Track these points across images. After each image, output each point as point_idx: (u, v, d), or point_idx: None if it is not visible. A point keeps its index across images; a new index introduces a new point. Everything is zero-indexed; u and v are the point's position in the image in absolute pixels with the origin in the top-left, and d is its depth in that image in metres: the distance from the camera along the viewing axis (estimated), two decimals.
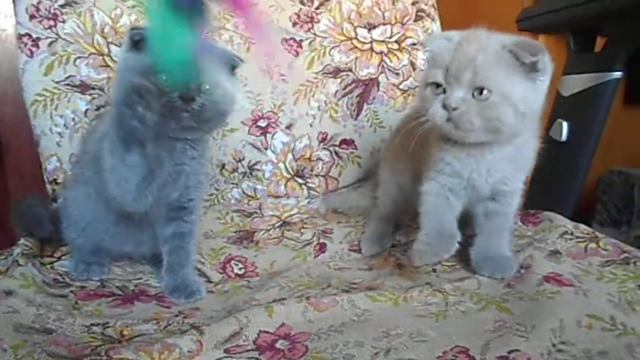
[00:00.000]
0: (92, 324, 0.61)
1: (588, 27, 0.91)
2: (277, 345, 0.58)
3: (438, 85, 0.66)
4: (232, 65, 0.74)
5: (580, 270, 0.70)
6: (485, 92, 0.63)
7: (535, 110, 0.68)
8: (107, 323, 0.62)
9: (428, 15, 1.14)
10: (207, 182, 0.82)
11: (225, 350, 0.56)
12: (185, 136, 0.71)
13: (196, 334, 0.57)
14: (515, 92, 0.63)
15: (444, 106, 0.65)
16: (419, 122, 0.68)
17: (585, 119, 0.87)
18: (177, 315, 0.67)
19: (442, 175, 0.73)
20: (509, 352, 0.53)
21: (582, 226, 0.80)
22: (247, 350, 0.57)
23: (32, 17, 0.93)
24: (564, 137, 0.90)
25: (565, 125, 0.90)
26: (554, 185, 0.92)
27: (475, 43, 0.64)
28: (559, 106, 0.93)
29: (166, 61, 0.61)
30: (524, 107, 0.64)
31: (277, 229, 0.99)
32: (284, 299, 0.67)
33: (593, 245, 0.75)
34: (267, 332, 0.60)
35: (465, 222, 0.82)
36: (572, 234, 0.79)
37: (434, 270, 0.80)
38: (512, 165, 0.72)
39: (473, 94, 0.63)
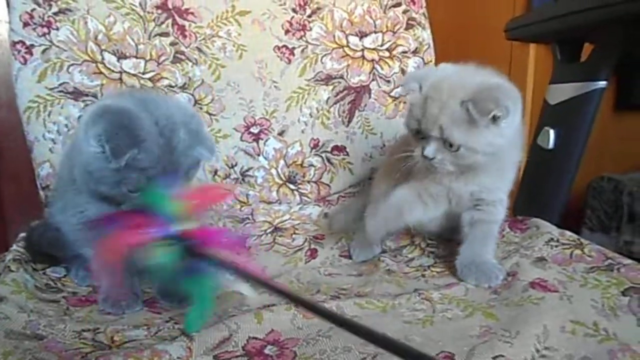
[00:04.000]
0: (83, 330, 0.62)
1: (573, 38, 0.92)
2: (266, 351, 0.58)
3: (418, 131, 0.72)
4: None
5: (565, 277, 0.71)
6: (453, 145, 0.68)
7: (510, 141, 0.71)
8: (98, 329, 0.62)
9: (419, 24, 1.15)
10: None
11: (215, 357, 0.57)
12: None
13: (186, 340, 0.58)
14: (480, 142, 0.68)
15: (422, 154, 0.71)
16: (407, 156, 0.74)
17: (571, 127, 0.89)
18: (167, 321, 0.67)
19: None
20: (494, 358, 0.54)
21: (568, 233, 0.81)
22: (237, 357, 0.57)
23: (25, 24, 0.93)
24: (550, 144, 0.91)
25: (552, 133, 0.91)
26: (541, 192, 0.93)
27: (437, 100, 0.68)
28: (546, 114, 0.94)
29: None
30: (493, 149, 0.69)
31: (269, 235, 1.00)
32: (273, 304, 0.68)
33: (578, 251, 0.76)
34: (256, 338, 0.60)
35: (453, 230, 0.84)
36: (557, 240, 0.80)
37: (423, 276, 0.82)
38: (490, 175, 0.75)
39: (445, 144, 0.69)
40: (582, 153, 0.88)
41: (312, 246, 0.96)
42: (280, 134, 1.08)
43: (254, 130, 1.07)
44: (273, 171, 1.08)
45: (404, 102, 1.14)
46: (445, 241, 0.91)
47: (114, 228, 0.57)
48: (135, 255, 0.57)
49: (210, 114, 1.04)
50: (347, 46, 1.12)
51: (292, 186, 1.09)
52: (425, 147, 0.70)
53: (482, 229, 0.78)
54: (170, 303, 0.74)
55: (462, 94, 0.67)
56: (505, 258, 0.78)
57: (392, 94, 1.13)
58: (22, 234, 0.83)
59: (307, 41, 1.09)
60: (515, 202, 0.92)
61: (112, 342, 0.60)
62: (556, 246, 0.78)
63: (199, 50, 1.03)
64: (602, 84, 0.85)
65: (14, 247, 0.79)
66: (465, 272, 0.75)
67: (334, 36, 1.11)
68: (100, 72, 0.97)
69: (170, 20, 1.02)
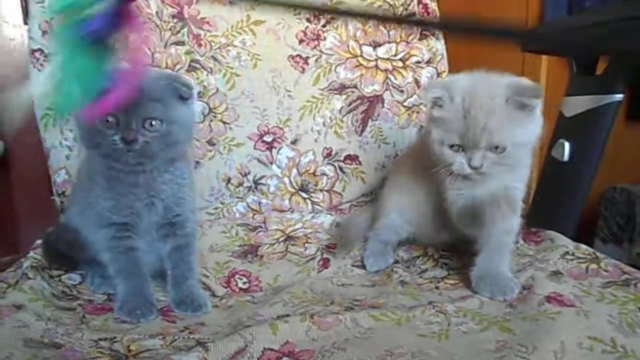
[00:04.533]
0: (100, 339, 0.62)
1: (589, 51, 0.92)
2: None
3: (457, 144, 0.73)
4: (179, 93, 0.72)
5: (581, 291, 0.70)
6: (500, 147, 0.71)
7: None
8: (115, 338, 0.63)
9: (432, 34, 1.15)
10: (192, 197, 0.81)
11: None
12: (140, 169, 0.71)
13: (201, 351, 0.58)
14: (526, 134, 0.72)
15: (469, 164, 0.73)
16: (444, 171, 0.76)
17: (586, 140, 0.88)
18: (182, 331, 0.68)
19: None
20: None
21: (583, 246, 0.81)
22: None
23: (44, 32, 0.95)
24: (565, 157, 0.91)
25: (567, 145, 0.91)
26: (556, 205, 0.93)
27: (483, 107, 0.69)
28: (561, 126, 0.94)
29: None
30: (534, 140, 0.74)
31: (281, 244, 1.00)
32: (287, 315, 0.68)
33: (594, 266, 0.76)
34: (271, 350, 0.60)
35: (468, 240, 0.83)
36: (573, 254, 0.79)
37: (437, 288, 0.81)
38: (509, 172, 0.76)
39: (491, 149, 0.71)
40: (597, 166, 0.87)
41: (325, 255, 0.96)
42: (294, 142, 1.09)
43: (267, 138, 1.07)
44: (286, 180, 1.09)
45: (417, 112, 1.14)
46: (458, 252, 0.91)
47: None
48: None
49: (224, 123, 1.05)
50: (361, 56, 1.12)
51: (304, 195, 1.10)
52: (472, 158, 0.72)
53: (499, 239, 0.77)
54: (184, 312, 0.75)
55: (502, 93, 0.69)
56: (519, 271, 0.78)
57: (406, 103, 1.14)
58: (38, 241, 0.84)
59: (321, 51, 1.10)
60: (529, 214, 0.91)
61: (128, 351, 0.61)
62: (571, 260, 0.78)
63: (214, 59, 1.04)
64: (619, 97, 0.85)
65: (31, 253, 0.80)
66: (480, 284, 0.74)
67: (347, 46, 1.11)
68: None
69: (186, 29, 1.03)
